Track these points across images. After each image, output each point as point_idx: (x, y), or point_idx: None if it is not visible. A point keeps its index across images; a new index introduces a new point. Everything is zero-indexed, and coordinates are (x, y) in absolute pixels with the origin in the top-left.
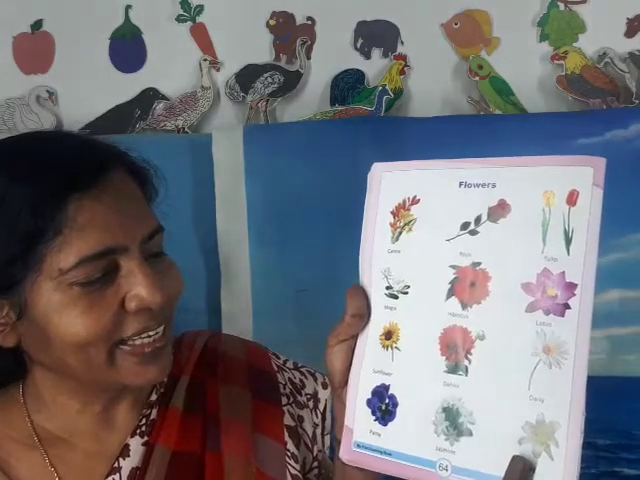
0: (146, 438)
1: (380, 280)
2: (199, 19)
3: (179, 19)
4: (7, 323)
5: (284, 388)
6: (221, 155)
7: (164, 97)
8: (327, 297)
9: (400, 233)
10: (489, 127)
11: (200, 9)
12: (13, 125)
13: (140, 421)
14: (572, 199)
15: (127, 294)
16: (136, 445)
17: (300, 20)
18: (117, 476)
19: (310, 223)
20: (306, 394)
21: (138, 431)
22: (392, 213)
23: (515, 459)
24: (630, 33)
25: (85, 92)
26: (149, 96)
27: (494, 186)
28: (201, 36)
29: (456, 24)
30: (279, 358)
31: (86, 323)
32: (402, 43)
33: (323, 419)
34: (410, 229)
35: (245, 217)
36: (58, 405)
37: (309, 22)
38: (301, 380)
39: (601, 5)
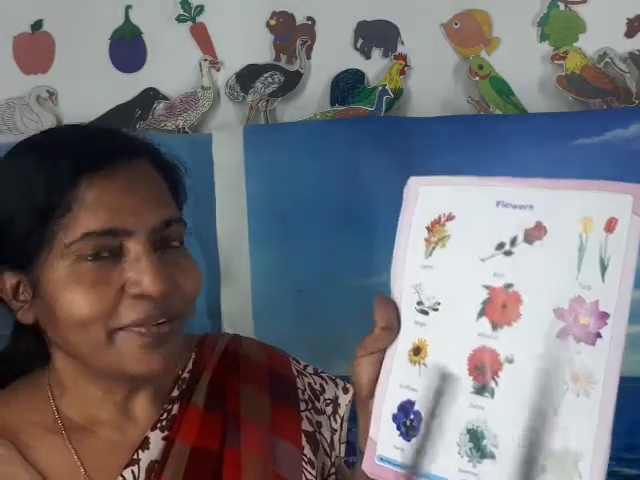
0: (166, 432)
1: (411, 295)
2: (199, 19)
3: (179, 19)
4: (26, 300)
5: (303, 394)
6: (221, 155)
7: (164, 97)
8: (327, 297)
9: (434, 248)
10: (489, 127)
11: (200, 9)
12: (13, 125)
13: (161, 415)
14: (610, 226)
15: (130, 279)
16: (156, 439)
17: (300, 20)
18: (136, 468)
19: (310, 223)
20: (326, 399)
21: (159, 425)
22: (427, 228)
23: None
24: (630, 33)
25: (85, 92)
26: (149, 96)
27: (532, 208)
28: (201, 36)
29: (456, 24)
30: (299, 363)
31: (88, 301)
32: (402, 43)
33: (342, 425)
34: (444, 245)
35: (245, 217)
36: (79, 391)
37: (309, 22)
38: (321, 385)
39: (601, 5)
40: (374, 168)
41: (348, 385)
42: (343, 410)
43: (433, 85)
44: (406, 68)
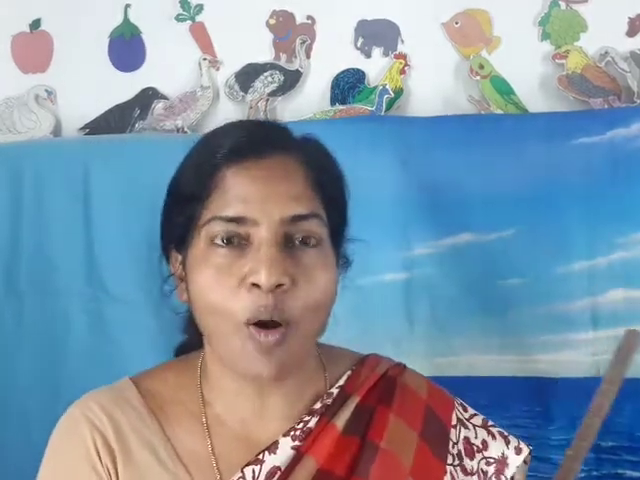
0: (297, 443)
1: None
2: (198, 18)
3: (178, 18)
4: (183, 279)
5: (453, 447)
6: None
7: (163, 96)
8: None
9: None
10: (490, 126)
11: (199, 8)
12: (12, 124)
13: (297, 424)
14: None
15: (249, 268)
16: (285, 446)
17: (300, 19)
18: (257, 468)
19: None
20: (486, 457)
21: (292, 433)
22: None
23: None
24: (631, 32)
25: (84, 91)
26: (148, 95)
27: None
28: (200, 35)
29: (457, 23)
30: (466, 411)
31: (213, 286)
32: (402, 42)
33: None
34: None
35: None
36: (217, 379)
37: (309, 21)
38: (484, 441)
39: (602, 4)
40: (374, 167)
41: (522, 445)
42: (511, 471)
43: (433, 84)
44: (406, 67)
